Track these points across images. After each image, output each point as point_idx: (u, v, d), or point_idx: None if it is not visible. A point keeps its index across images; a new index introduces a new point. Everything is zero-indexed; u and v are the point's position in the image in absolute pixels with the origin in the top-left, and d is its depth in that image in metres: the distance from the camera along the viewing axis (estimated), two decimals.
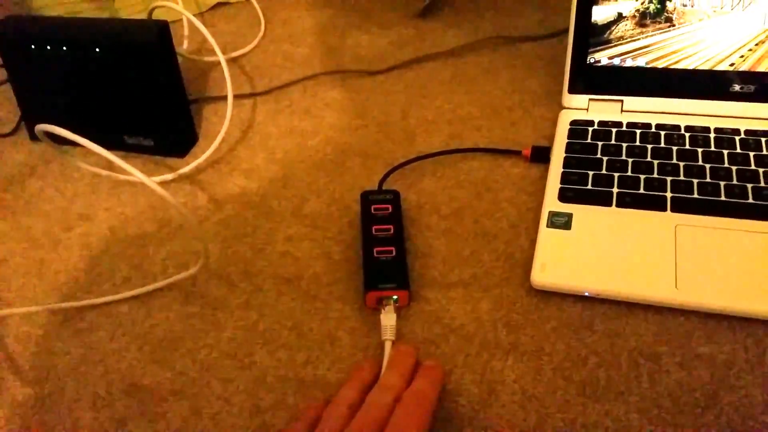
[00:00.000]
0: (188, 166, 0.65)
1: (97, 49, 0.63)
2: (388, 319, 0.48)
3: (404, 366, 0.43)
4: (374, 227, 0.53)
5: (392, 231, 0.53)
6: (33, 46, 0.64)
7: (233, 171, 0.65)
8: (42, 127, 0.49)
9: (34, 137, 0.72)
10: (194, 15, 0.92)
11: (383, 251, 0.51)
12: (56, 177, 0.67)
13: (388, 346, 0.47)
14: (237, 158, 0.66)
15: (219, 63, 0.69)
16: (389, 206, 0.55)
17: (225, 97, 0.68)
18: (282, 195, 0.61)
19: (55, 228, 0.61)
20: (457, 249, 0.55)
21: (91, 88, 0.66)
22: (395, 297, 0.49)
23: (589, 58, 0.64)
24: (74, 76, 0.65)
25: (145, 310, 0.53)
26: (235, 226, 0.59)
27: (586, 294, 0.49)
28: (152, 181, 0.48)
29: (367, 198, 0.56)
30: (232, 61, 0.81)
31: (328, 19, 0.87)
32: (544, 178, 0.59)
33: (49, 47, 0.64)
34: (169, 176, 0.64)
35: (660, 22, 0.61)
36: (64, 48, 0.64)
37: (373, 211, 0.54)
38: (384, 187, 0.59)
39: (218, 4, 0.93)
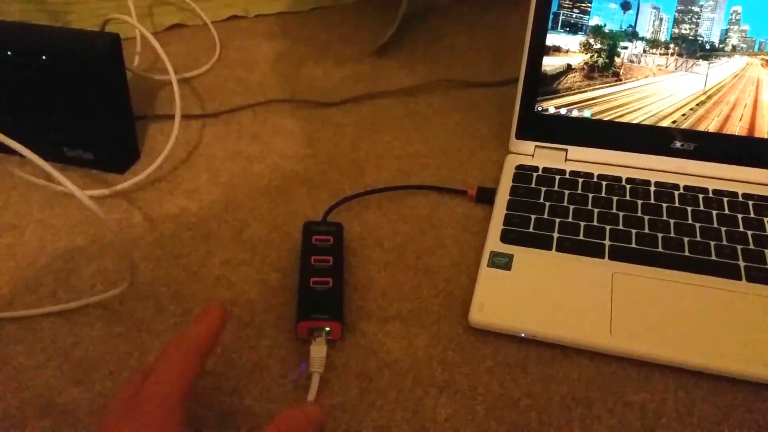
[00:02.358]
0: (126, 182, 0.62)
1: (44, 57, 0.61)
2: (317, 351, 0.46)
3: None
4: (313, 257, 0.52)
5: (331, 262, 0.52)
6: None
7: (174, 191, 0.63)
8: None
9: None
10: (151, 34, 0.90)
11: (319, 282, 0.50)
12: None
13: (315, 379, 0.45)
14: (179, 178, 0.64)
15: (169, 82, 0.67)
16: (330, 238, 0.54)
17: (172, 116, 0.66)
18: (222, 218, 0.60)
19: None
20: (397, 283, 0.54)
21: (33, 96, 0.63)
22: (327, 328, 0.48)
23: (536, 106, 0.65)
24: (17, 81, 0.63)
25: (69, 327, 0.50)
26: (171, 247, 0.57)
27: (522, 335, 0.49)
28: (83, 194, 0.45)
29: (309, 228, 0.55)
30: (183, 82, 0.80)
31: (284, 49, 0.87)
32: (487, 219, 0.59)
33: None
34: (105, 191, 0.62)
35: (607, 76, 0.63)
36: (9, 53, 0.61)
37: (314, 241, 0.53)
38: (329, 219, 0.58)
39: (175, 26, 0.92)
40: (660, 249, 0.55)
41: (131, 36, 0.84)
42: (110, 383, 0.46)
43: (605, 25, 0.62)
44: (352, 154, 0.68)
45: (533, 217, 0.58)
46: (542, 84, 0.64)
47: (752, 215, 0.58)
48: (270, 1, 0.97)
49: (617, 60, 0.63)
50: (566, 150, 0.65)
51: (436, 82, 0.80)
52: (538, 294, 0.51)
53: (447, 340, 0.49)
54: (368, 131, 0.72)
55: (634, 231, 0.57)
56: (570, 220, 0.58)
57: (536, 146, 0.66)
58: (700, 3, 0.60)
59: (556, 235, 0.56)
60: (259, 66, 0.83)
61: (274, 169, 0.66)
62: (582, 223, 0.57)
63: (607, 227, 0.57)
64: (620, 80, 0.63)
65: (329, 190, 0.63)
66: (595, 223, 0.57)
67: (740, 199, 0.60)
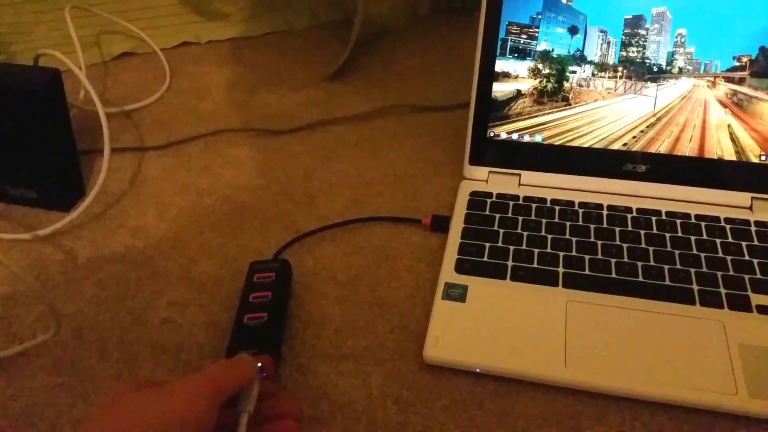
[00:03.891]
0: (63, 221, 0.60)
1: None
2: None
3: None
4: (252, 295, 0.51)
5: (270, 297, 0.50)
6: None
7: (119, 228, 0.61)
8: None
9: None
10: (98, 63, 0.88)
11: (254, 317, 0.49)
12: None
13: (243, 417, 0.42)
14: (125, 215, 0.62)
15: (116, 114, 0.65)
16: (273, 274, 0.52)
17: (120, 150, 0.64)
18: (170, 256, 0.58)
19: None
20: (351, 319, 0.53)
21: None
22: (258, 364, 0.46)
23: (489, 132, 0.65)
24: None
25: (6, 377, 0.48)
26: (115, 288, 0.55)
27: (478, 371, 0.48)
28: None
29: (253, 268, 0.53)
30: (133, 112, 0.78)
31: (236, 76, 0.86)
32: (442, 247, 0.58)
33: None
34: (47, 230, 0.60)
35: (557, 101, 0.63)
36: None
37: (255, 279, 0.52)
38: (281, 256, 0.57)
39: (124, 54, 0.90)
40: (614, 275, 0.55)
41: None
42: None
43: (553, 50, 0.62)
44: (306, 183, 0.67)
45: (487, 245, 0.58)
46: (493, 110, 0.64)
47: (705, 237, 0.58)
48: (222, 26, 0.95)
49: (566, 84, 0.63)
50: (520, 175, 0.65)
51: (390, 107, 0.79)
52: (493, 326, 0.50)
53: (402, 378, 0.48)
54: (322, 159, 0.71)
55: (587, 257, 0.56)
56: (524, 247, 0.57)
57: (490, 172, 0.65)
58: (646, 26, 0.61)
59: (510, 263, 0.56)
60: (211, 94, 0.82)
61: (225, 202, 0.64)
62: (536, 251, 0.57)
63: (561, 254, 0.57)
64: (570, 104, 0.63)
65: (282, 222, 0.62)
66: (548, 249, 0.57)
67: (693, 220, 0.60)
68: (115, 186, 0.64)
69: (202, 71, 0.86)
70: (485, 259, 0.56)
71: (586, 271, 0.55)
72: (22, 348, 0.49)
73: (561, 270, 0.55)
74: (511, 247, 0.57)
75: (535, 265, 0.56)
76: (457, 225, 0.60)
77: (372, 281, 0.56)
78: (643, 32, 0.61)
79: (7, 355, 0.49)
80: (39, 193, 0.63)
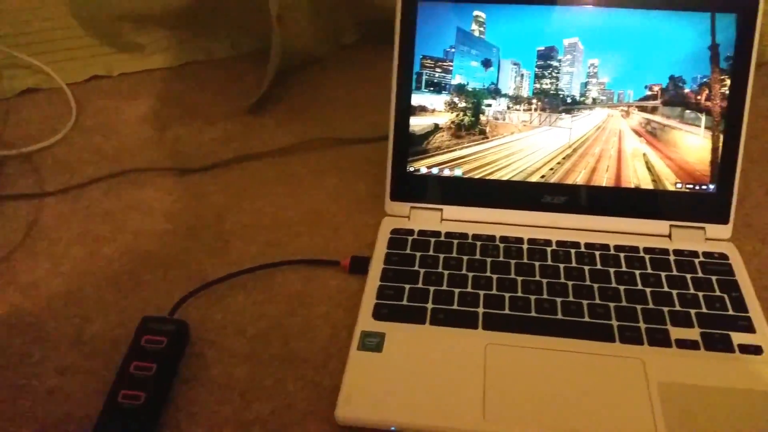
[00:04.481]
0: None
1: None
2: None
3: None
4: (135, 363, 0.45)
5: (153, 371, 0.45)
6: None
7: (8, 286, 0.56)
8: None
9: None
10: (1, 100, 0.83)
11: (130, 395, 0.43)
12: None
13: None
14: (13, 270, 0.57)
15: (16, 156, 0.60)
16: (164, 339, 0.47)
17: (14, 197, 0.59)
18: (62, 315, 0.53)
19: None
20: (259, 378, 0.49)
21: None
22: None
23: (408, 166, 0.63)
24: None
25: None
26: None
27: (393, 429, 0.45)
28: None
29: (145, 325, 0.48)
30: (31, 155, 0.72)
31: (148, 110, 0.82)
32: (362, 291, 0.56)
33: None
34: None
35: (474, 134, 0.62)
36: None
37: (143, 342, 0.46)
38: (182, 308, 0.52)
39: (28, 90, 0.85)
40: (533, 313, 0.53)
41: None
42: None
43: (468, 84, 0.61)
44: (217, 226, 0.64)
45: (407, 287, 0.55)
46: (412, 144, 0.62)
47: (624, 269, 0.57)
48: (136, 58, 0.91)
49: (483, 118, 0.61)
50: (441, 210, 0.63)
51: (311, 141, 0.76)
52: (410, 377, 0.48)
53: None
54: (236, 199, 0.67)
55: (507, 295, 0.55)
56: (444, 287, 0.55)
57: (411, 207, 0.63)
58: (559, 57, 0.60)
59: (430, 306, 0.53)
60: (119, 131, 0.77)
61: (126, 251, 0.60)
62: (456, 290, 0.55)
63: (481, 293, 0.55)
64: (487, 138, 0.62)
65: (189, 271, 0.58)
66: (469, 289, 0.55)
67: (612, 251, 0.59)
68: (5, 237, 0.58)
69: (111, 106, 0.82)
70: (404, 302, 0.54)
71: (506, 311, 0.53)
72: None
73: (481, 311, 0.53)
74: (431, 288, 0.55)
75: (455, 306, 0.53)
76: (377, 266, 0.57)
77: (284, 333, 0.53)
78: (555, 63, 0.60)
79: None
80: None
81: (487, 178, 0.62)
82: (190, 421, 0.46)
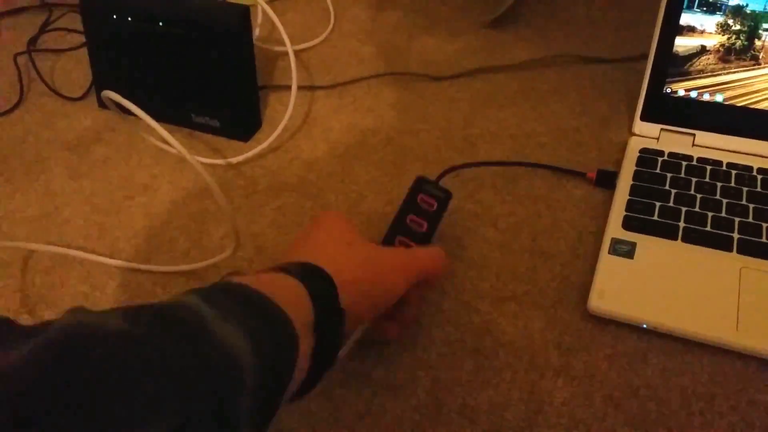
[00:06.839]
0: (254, 150, 0.65)
1: (178, 27, 0.64)
2: None
3: None
4: (410, 216, 0.49)
5: (425, 228, 0.48)
6: (114, 16, 0.66)
7: (294, 161, 0.65)
8: (107, 93, 0.50)
9: (101, 104, 0.73)
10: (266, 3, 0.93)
11: (405, 242, 0.48)
12: (120, 146, 0.68)
13: None
14: (298, 149, 0.66)
15: (286, 53, 0.69)
16: (435, 203, 0.49)
17: (289, 87, 0.68)
18: (340, 190, 0.62)
19: (117, 194, 0.62)
20: (512, 264, 0.54)
21: (165, 64, 0.67)
22: None
23: (665, 87, 0.62)
24: (150, 49, 0.66)
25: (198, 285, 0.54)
26: (292, 216, 0.59)
27: (644, 326, 0.48)
28: (193, 158, 0.48)
29: (420, 185, 0.51)
30: (299, 53, 0.81)
31: (397, 20, 0.87)
32: (607, 203, 0.58)
33: (130, 19, 0.65)
34: (239, 158, 0.65)
35: (745, 60, 0.60)
36: (145, 22, 0.65)
37: (418, 200, 0.50)
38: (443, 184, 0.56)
39: None
40: None
41: (251, 4, 0.86)
42: None
43: (747, 5, 0.58)
44: (466, 130, 0.68)
45: (658, 204, 0.56)
46: (673, 65, 0.61)
47: None
48: None
49: (758, 43, 0.59)
50: (694, 135, 0.62)
51: (554, 57, 0.78)
52: (662, 285, 0.50)
53: (564, 325, 0.49)
54: (482, 107, 0.71)
55: (765, 225, 0.54)
56: (697, 209, 0.56)
57: (662, 129, 0.63)
58: None
59: (681, 224, 0.54)
60: (373, 37, 0.84)
61: (389, 143, 0.67)
62: (710, 214, 0.55)
63: (736, 219, 0.54)
64: (759, 64, 0.59)
65: (443, 165, 0.63)
66: (723, 214, 0.55)
67: None
68: (289, 121, 0.68)
69: (364, 15, 0.89)
70: (655, 218, 0.55)
71: (764, 239, 0.53)
72: (213, 262, 0.54)
73: (736, 236, 0.53)
74: (683, 208, 0.56)
75: (708, 228, 0.54)
76: (624, 181, 0.59)
77: (533, 230, 0.57)
78: None
79: (199, 267, 0.55)
80: (221, 123, 0.68)
81: (751, 107, 0.60)
82: (452, 288, 0.52)
